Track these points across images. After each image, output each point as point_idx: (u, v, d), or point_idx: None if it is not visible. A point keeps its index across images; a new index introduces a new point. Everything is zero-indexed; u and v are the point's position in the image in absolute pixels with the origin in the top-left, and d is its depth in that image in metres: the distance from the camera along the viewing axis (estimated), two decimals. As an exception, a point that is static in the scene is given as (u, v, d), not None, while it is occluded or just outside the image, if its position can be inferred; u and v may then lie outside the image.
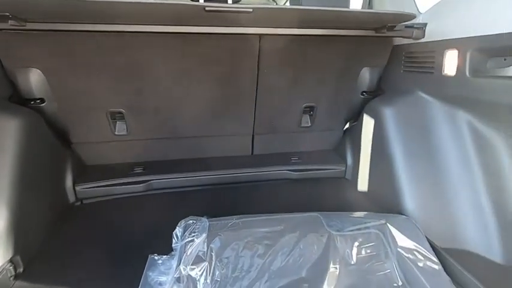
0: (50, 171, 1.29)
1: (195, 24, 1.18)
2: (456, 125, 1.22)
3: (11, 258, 0.97)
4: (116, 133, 1.50)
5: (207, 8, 0.89)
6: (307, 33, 1.28)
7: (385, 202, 1.32)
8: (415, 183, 1.24)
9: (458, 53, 1.11)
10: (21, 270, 1.00)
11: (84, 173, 1.49)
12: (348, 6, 1.36)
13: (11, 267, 0.97)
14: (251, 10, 0.92)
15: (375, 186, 1.46)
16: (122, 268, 1.03)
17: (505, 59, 0.99)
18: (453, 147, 1.22)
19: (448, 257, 1.03)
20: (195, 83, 1.39)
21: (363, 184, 1.54)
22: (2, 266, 0.94)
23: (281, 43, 1.33)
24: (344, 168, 1.69)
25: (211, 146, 1.68)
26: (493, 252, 1.06)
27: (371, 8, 1.60)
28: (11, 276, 0.97)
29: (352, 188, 1.60)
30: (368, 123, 1.49)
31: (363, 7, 1.57)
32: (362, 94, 1.60)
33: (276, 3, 3.39)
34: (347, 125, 1.82)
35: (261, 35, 1.28)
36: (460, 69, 1.11)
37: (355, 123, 1.66)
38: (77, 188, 1.41)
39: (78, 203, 1.43)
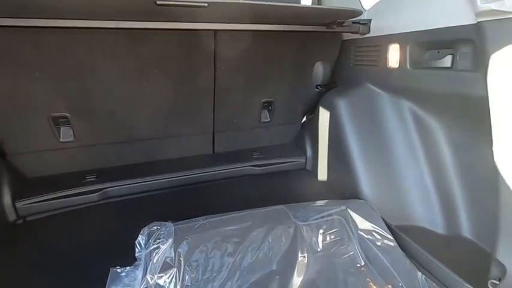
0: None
1: (145, 19, 1.11)
2: (401, 113, 1.33)
3: None
4: (61, 140, 1.36)
5: (158, 2, 0.84)
6: (262, 28, 1.29)
7: (343, 189, 1.40)
8: (369, 169, 1.34)
9: (400, 47, 1.21)
10: None
11: (25, 187, 1.33)
12: (299, 2, 1.40)
13: None
14: (206, 5, 0.90)
15: (333, 175, 1.54)
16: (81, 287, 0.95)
17: (438, 52, 1.10)
18: (400, 134, 1.33)
19: (401, 233, 1.13)
20: (147, 82, 1.32)
21: (322, 174, 1.62)
22: None
23: (236, 39, 1.32)
24: (304, 160, 1.75)
25: (170, 147, 1.61)
26: (437, 225, 1.20)
27: (320, 4, 1.67)
28: None
29: (313, 178, 1.67)
30: (324, 116, 1.56)
31: (312, 3, 1.63)
32: (317, 88, 1.66)
33: None
34: (305, 118, 1.88)
35: (215, 31, 1.26)
36: (401, 61, 1.22)
37: (312, 115, 1.73)
38: (18, 205, 1.25)
39: (20, 221, 1.27)
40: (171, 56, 1.28)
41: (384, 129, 1.36)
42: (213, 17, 1.15)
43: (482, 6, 0.77)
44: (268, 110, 1.71)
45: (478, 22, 0.84)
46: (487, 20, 0.81)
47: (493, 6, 0.74)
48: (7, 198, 1.24)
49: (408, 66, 1.19)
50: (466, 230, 1.14)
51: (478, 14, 0.81)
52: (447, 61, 1.04)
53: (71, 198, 1.33)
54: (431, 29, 1.07)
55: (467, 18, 0.91)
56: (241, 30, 1.29)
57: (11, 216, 1.24)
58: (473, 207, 1.12)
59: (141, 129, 1.48)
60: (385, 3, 1.31)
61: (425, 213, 1.23)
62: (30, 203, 1.27)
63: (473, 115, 1.01)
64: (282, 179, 1.67)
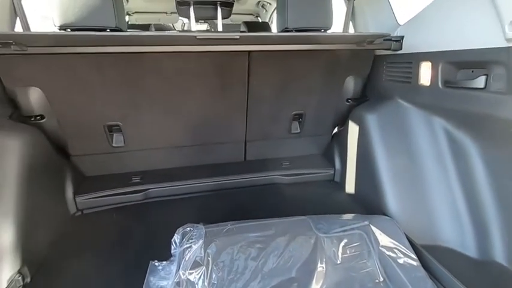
0: (51, 184, 1.35)
1: (188, 45, 1.25)
2: (433, 131, 1.31)
3: (19, 269, 1.03)
4: (114, 145, 1.56)
5: (198, 37, 0.97)
6: (293, 48, 1.37)
7: (370, 203, 1.41)
8: (397, 186, 1.34)
9: (432, 65, 1.21)
10: (28, 280, 1.06)
11: (83, 184, 1.55)
12: (330, 21, 1.45)
13: (19, 278, 1.03)
14: (238, 37, 1.00)
15: (361, 189, 1.56)
16: (124, 275, 1.10)
17: (472, 71, 1.08)
18: (430, 151, 1.31)
19: (426, 253, 1.12)
20: (187, 96, 1.46)
21: (350, 187, 1.63)
22: (11, 277, 1.00)
23: (269, 57, 1.42)
24: (333, 172, 1.78)
25: (206, 154, 1.75)
26: (467, 248, 1.16)
27: (353, 19, 1.69)
28: (19, 287, 1.03)
29: (340, 191, 1.69)
30: (353, 129, 1.58)
31: (345, 19, 1.66)
32: (347, 101, 1.69)
33: (259, 18, 3.49)
34: (335, 130, 1.91)
35: (249, 52, 1.36)
36: (433, 80, 1.21)
37: (342, 128, 1.75)
38: (77, 199, 1.47)
39: (79, 214, 1.49)
40: (209, 73, 1.41)
41: (414, 145, 1.35)
42: (247, 43, 1.26)
43: (510, 33, 0.77)
44: (298, 122, 1.77)
45: (509, 46, 0.83)
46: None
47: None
48: (69, 193, 1.46)
49: (440, 84, 1.18)
50: (499, 255, 1.09)
51: (508, 39, 0.81)
52: (481, 82, 1.02)
53: (119, 197, 1.52)
54: (464, 49, 1.05)
55: (500, 41, 0.90)
56: (273, 51, 1.38)
57: (72, 209, 1.46)
58: (509, 232, 1.08)
59: (181, 137, 1.64)
60: (418, 21, 1.30)
61: (455, 235, 1.20)
62: (87, 198, 1.49)
63: (509, 137, 0.98)
64: (310, 189, 1.71)
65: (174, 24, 3.73)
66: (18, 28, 1.34)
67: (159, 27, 3.53)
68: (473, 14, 0.98)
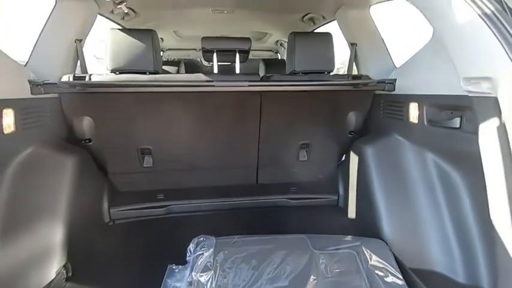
0: (92, 196, 1.62)
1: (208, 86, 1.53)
2: (424, 163, 1.45)
3: (64, 264, 1.26)
4: (144, 165, 1.83)
5: (215, 84, 1.23)
6: (302, 89, 1.60)
7: (367, 228, 1.54)
8: (391, 213, 1.46)
9: (418, 105, 1.38)
10: (70, 274, 1.29)
11: (116, 198, 1.81)
12: (333, 65, 1.69)
13: (64, 271, 1.26)
14: (247, 85, 1.25)
15: (360, 214, 1.69)
16: (147, 276, 1.30)
17: (451, 112, 1.24)
18: (422, 182, 1.44)
19: (413, 275, 1.23)
20: (208, 127, 1.72)
21: (351, 212, 1.77)
22: (58, 269, 1.23)
23: (279, 96, 1.66)
24: (337, 197, 1.92)
25: (222, 176, 1.97)
26: (454, 272, 1.25)
27: (356, 61, 1.91)
28: (64, 278, 1.26)
29: (342, 215, 1.82)
30: (354, 160, 1.74)
31: (349, 61, 1.89)
32: (350, 133, 1.87)
33: (279, 54, 3.82)
34: (343, 158, 2.07)
35: (261, 92, 1.61)
36: (420, 118, 1.38)
37: (345, 158, 1.92)
38: (111, 211, 1.73)
39: (111, 223, 1.74)
40: (227, 108, 1.67)
41: (408, 176, 1.49)
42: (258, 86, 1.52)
43: (465, 87, 0.94)
44: (306, 151, 1.96)
45: (469, 95, 1.00)
46: (473, 95, 0.97)
47: (470, 88, 0.91)
48: (105, 205, 1.72)
49: (425, 123, 1.34)
50: (484, 281, 1.17)
51: (466, 90, 0.98)
52: (456, 122, 1.18)
53: (145, 210, 1.76)
54: (442, 94, 1.23)
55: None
56: (283, 91, 1.62)
57: (106, 218, 1.72)
58: (493, 260, 1.17)
59: (200, 161, 1.88)
60: (408, 66, 1.50)
61: (443, 260, 1.29)
62: (118, 210, 1.74)
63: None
64: (314, 213, 1.86)
65: (201, 59, 4.15)
66: (78, 68, 1.70)
67: (189, 62, 3.95)
68: (446, 64, 1.16)
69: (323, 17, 2.16)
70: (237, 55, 1.71)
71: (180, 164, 1.88)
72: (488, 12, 0.83)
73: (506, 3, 0.85)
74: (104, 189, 1.76)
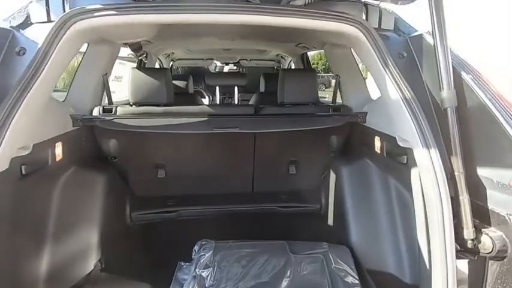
0: (118, 203, 2.00)
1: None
2: (387, 185, 1.77)
3: (99, 259, 1.66)
4: (158, 176, 2.20)
5: (214, 130, 1.57)
6: (291, 129, 1.93)
7: (339, 235, 1.88)
8: (358, 223, 1.80)
9: (380, 139, 1.69)
10: (103, 266, 1.68)
11: (136, 204, 2.20)
12: (317, 97, 2.00)
13: (99, 264, 1.65)
14: (252, 134, 1.59)
15: (335, 222, 2.03)
16: (161, 270, 1.68)
17: (401, 151, 1.55)
18: (383, 200, 1.77)
19: (369, 276, 1.57)
20: (211, 146, 2.07)
21: (330, 220, 2.11)
22: (95, 263, 1.63)
23: (271, 135, 2.00)
24: (319, 207, 2.26)
25: (222, 186, 2.33)
26: (403, 274, 1.59)
27: (340, 91, 2.21)
28: (99, 269, 1.65)
29: (322, 222, 2.17)
30: (333, 176, 2.07)
31: (334, 91, 2.19)
32: (332, 153, 2.19)
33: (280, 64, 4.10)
34: (325, 173, 2.40)
35: (255, 133, 1.95)
36: (382, 150, 1.69)
37: (327, 173, 2.24)
38: (132, 214, 2.11)
39: (132, 224, 2.13)
40: (227, 141, 2.01)
41: (373, 194, 1.81)
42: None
43: (398, 141, 1.26)
44: (295, 166, 2.30)
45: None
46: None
47: (400, 143, 1.23)
48: (128, 210, 2.11)
49: (385, 155, 1.66)
50: (426, 283, 1.51)
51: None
52: (404, 159, 1.49)
53: (160, 215, 2.14)
54: (394, 136, 1.53)
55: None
56: (274, 132, 1.96)
57: (128, 220, 2.11)
58: (424, 263, 1.47)
59: (204, 174, 2.24)
60: (374, 105, 1.81)
61: (395, 263, 1.63)
62: (138, 214, 2.12)
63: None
64: (300, 218, 2.21)
65: (208, 67, 4.48)
66: (105, 98, 2.06)
67: (196, 70, 4.28)
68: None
69: (314, 47, 2.46)
70: (236, 88, 2.04)
71: (187, 176, 2.24)
72: (408, 97, 1.14)
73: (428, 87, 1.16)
74: (126, 196, 2.14)
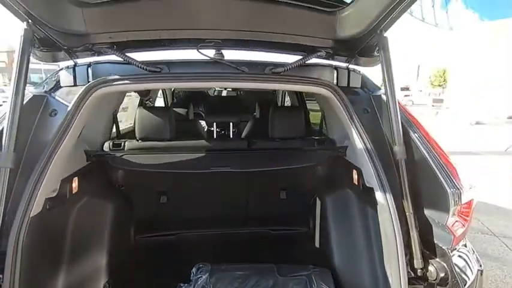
0: (124, 226, 2.22)
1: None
2: (365, 213, 1.98)
3: (107, 280, 1.86)
4: (161, 201, 2.42)
5: (212, 169, 1.80)
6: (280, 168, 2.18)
7: (324, 258, 2.08)
8: (339, 246, 2.01)
9: (357, 173, 1.92)
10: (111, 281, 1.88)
11: (140, 226, 2.41)
12: (304, 131, 2.24)
13: (107, 285, 1.85)
14: (230, 169, 1.82)
15: (321, 245, 2.24)
16: None
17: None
18: (362, 226, 1.97)
19: None
20: (208, 175, 2.30)
21: (317, 243, 2.32)
22: (104, 283, 1.83)
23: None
24: (307, 230, 2.48)
25: (219, 210, 2.54)
26: None
27: (326, 125, 2.46)
28: None
29: (311, 245, 2.37)
30: (319, 202, 2.29)
31: (320, 125, 2.44)
32: (318, 180, 2.42)
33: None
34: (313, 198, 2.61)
35: (248, 172, 2.19)
36: (359, 182, 1.91)
37: (314, 198, 2.46)
38: (136, 237, 2.32)
39: (136, 246, 2.33)
40: (223, 173, 2.24)
41: (353, 221, 2.02)
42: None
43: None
44: (286, 192, 2.52)
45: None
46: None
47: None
48: (132, 232, 2.32)
49: (361, 187, 1.88)
50: None
51: (370, 181, 1.53)
52: (372, 196, 1.71)
53: (161, 237, 2.35)
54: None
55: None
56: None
57: (132, 242, 2.31)
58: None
59: (203, 200, 2.46)
60: (351, 141, 2.04)
61: (371, 283, 1.83)
62: (142, 236, 2.33)
63: None
64: (289, 242, 2.42)
65: (207, 91, 4.77)
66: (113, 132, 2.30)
67: (196, 96, 4.57)
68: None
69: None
70: (231, 124, 2.29)
71: (187, 202, 2.46)
72: (369, 147, 1.38)
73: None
74: (131, 220, 2.35)
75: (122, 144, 2.09)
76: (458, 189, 1.16)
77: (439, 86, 36.02)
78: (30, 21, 1.12)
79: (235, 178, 2.32)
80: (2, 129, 1.15)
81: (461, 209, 1.17)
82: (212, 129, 2.28)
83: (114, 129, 2.31)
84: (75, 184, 1.76)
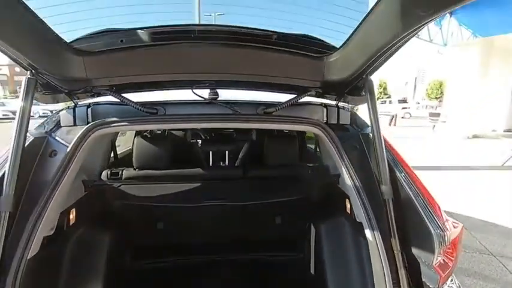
0: (121, 252, 2.23)
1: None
2: (359, 241, 2.01)
3: None
4: (157, 227, 2.45)
5: (205, 203, 1.85)
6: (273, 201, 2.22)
7: (319, 284, 2.09)
8: (334, 276, 2.03)
9: (349, 202, 1.96)
10: None
11: (139, 253, 2.42)
12: (297, 159, 2.29)
13: None
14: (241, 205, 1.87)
15: (316, 272, 2.25)
16: None
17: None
18: (355, 254, 2.00)
19: None
20: (204, 209, 2.33)
21: (312, 269, 2.33)
22: None
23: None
24: (303, 256, 2.49)
25: (215, 236, 2.57)
26: None
27: (320, 152, 2.51)
28: None
29: (307, 270, 2.38)
30: (313, 229, 2.32)
31: (314, 151, 2.50)
32: (313, 207, 2.45)
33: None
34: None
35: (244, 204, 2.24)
36: (351, 212, 1.95)
37: (309, 225, 2.49)
38: (132, 263, 2.33)
39: (132, 273, 2.34)
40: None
41: (347, 248, 2.05)
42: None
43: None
44: (280, 217, 2.55)
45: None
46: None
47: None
48: (128, 258, 2.33)
49: (354, 217, 1.92)
50: None
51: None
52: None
53: (158, 264, 2.37)
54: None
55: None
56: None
57: (129, 268, 2.32)
58: None
59: (199, 226, 2.49)
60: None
61: None
62: (138, 262, 2.35)
63: None
64: (287, 266, 2.43)
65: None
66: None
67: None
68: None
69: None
70: (226, 153, 2.34)
71: (183, 228, 2.49)
72: (357, 185, 1.43)
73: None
74: (127, 247, 2.37)
75: (120, 173, 2.14)
76: (443, 230, 1.20)
77: (436, 98, 36.47)
78: (33, 70, 1.19)
79: (230, 210, 2.36)
80: (4, 173, 1.19)
81: (446, 249, 1.21)
82: (208, 155, 2.33)
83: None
84: (72, 215, 1.80)
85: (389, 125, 19.55)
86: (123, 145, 3.24)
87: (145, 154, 2.16)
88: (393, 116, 19.92)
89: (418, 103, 36.58)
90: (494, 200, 5.70)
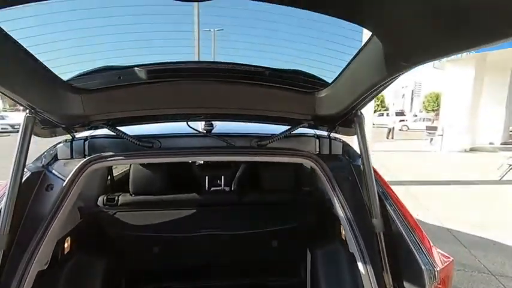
0: (117, 278, 2.22)
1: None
2: (354, 273, 1.99)
3: None
4: (153, 252, 2.43)
5: (203, 232, 1.86)
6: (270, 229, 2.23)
7: None
8: None
9: (344, 229, 1.97)
10: None
11: (132, 278, 2.40)
12: (293, 185, 2.31)
13: None
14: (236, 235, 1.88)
15: None
16: None
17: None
18: (351, 281, 1.99)
19: None
20: (199, 242, 2.33)
21: (308, 295, 2.31)
22: None
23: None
24: (301, 279, 2.47)
25: (211, 260, 2.55)
26: None
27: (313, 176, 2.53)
28: None
29: None
30: (309, 254, 2.31)
31: (309, 175, 2.52)
32: (309, 233, 2.45)
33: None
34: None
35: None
36: (346, 237, 1.95)
37: (305, 250, 2.48)
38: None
39: None
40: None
41: (343, 276, 2.04)
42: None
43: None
44: (277, 241, 2.54)
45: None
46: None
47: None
48: (124, 284, 2.31)
49: (347, 242, 1.92)
50: None
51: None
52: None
53: None
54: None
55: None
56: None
57: None
58: None
59: (196, 251, 2.48)
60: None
61: None
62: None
63: None
64: None
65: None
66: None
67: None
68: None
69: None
70: (222, 177, 2.36)
71: (179, 253, 2.48)
72: (349, 217, 1.45)
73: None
74: (123, 272, 2.35)
75: (116, 199, 2.15)
76: (433, 266, 1.21)
77: (433, 110, 36.79)
78: (32, 110, 1.22)
79: (227, 237, 2.36)
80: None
81: (437, 285, 1.21)
82: (204, 179, 2.35)
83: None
84: (67, 244, 1.80)
85: (387, 138, 19.65)
86: (119, 166, 3.27)
87: (141, 179, 2.18)
88: (390, 129, 20.05)
89: (416, 115, 36.88)
90: (493, 216, 5.69)
